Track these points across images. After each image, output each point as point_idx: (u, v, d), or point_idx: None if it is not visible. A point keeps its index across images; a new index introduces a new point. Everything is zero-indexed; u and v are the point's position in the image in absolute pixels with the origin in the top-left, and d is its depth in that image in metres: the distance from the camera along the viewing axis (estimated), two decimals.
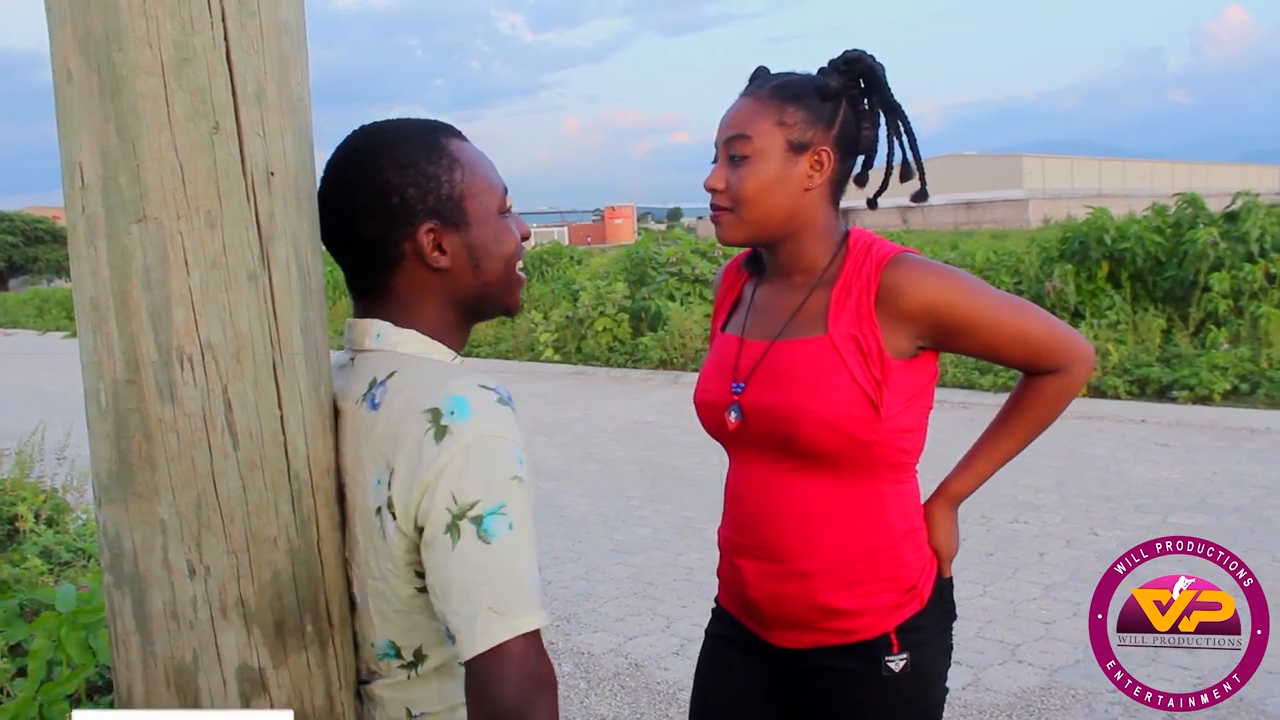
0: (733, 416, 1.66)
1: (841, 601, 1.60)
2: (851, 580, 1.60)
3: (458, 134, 1.38)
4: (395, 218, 1.30)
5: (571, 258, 18.64)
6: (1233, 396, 8.63)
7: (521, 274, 1.42)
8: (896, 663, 1.61)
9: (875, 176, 1.71)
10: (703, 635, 1.87)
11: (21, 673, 2.71)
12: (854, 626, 1.61)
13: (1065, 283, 10.62)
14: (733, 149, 1.61)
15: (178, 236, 1.14)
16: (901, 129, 1.66)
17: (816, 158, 1.60)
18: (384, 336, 1.33)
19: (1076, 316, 10.57)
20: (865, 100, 1.64)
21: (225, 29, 1.15)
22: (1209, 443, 7.33)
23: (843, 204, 1.70)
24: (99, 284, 1.16)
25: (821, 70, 1.65)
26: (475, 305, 1.38)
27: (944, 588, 1.68)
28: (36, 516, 4.74)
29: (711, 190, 1.63)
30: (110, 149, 1.13)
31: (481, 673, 1.13)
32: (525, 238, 1.42)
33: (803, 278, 1.66)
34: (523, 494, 1.19)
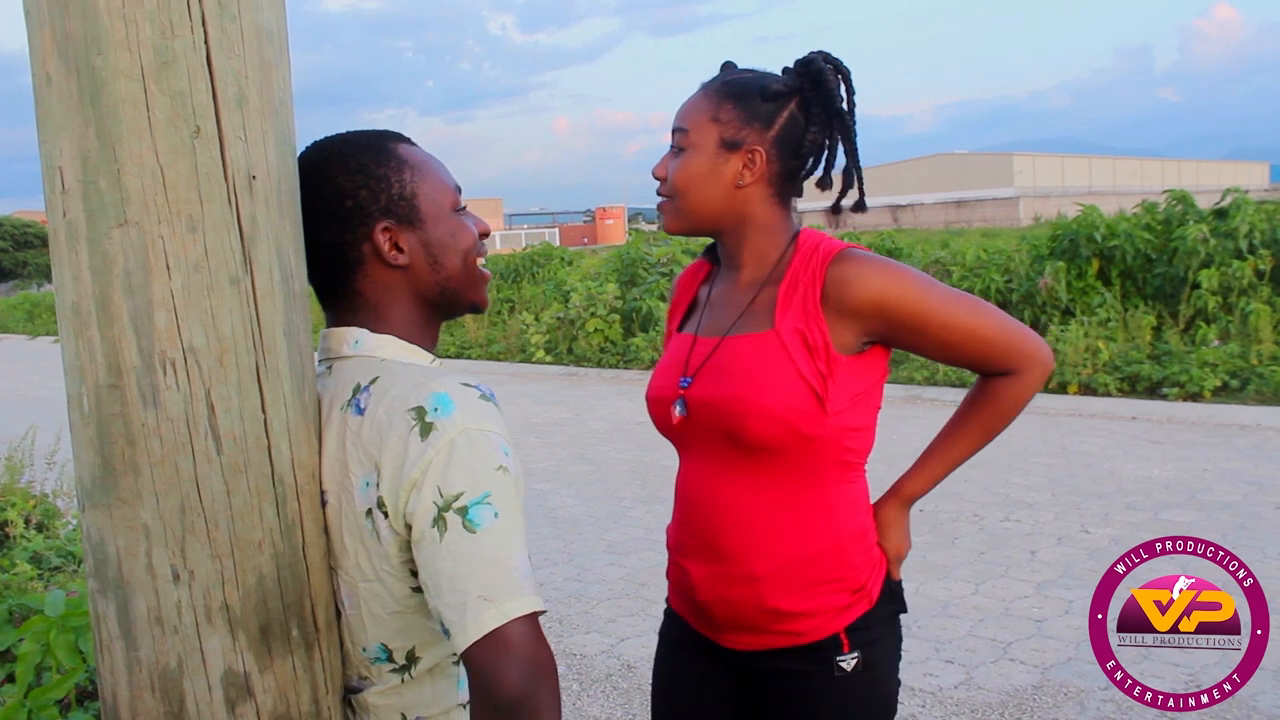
0: (677, 411, 1.67)
1: (790, 603, 1.60)
2: (800, 582, 1.59)
3: (405, 139, 1.42)
4: (351, 220, 1.34)
5: (562, 259, 18.63)
6: (1223, 393, 8.66)
7: (485, 270, 1.44)
8: (848, 662, 1.61)
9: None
10: None
11: (11, 678, 2.70)
12: (804, 628, 1.61)
13: (1056, 280, 10.65)
14: (674, 140, 1.65)
15: (159, 241, 1.14)
16: (840, 137, 1.65)
17: (749, 156, 1.61)
18: (362, 343, 1.35)
19: (1067, 314, 10.60)
20: (815, 104, 1.63)
21: (205, 33, 1.15)
22: (1199, 439, 7.35)
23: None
24: (80, 289, 1.15)
25: (785, 70, 1.66)
26: (439, 302, 1.40)
27: (893, 586, 1.68)
28: (26, 522, 4.72)
29: (655, 177, 1.68)
30: (90, 153, 1.12)
31: (479, 663, 1.11)
32: (484, 234, 1.45)
33: (751, 273, 1.67)
34: (509, 484, 1.19)
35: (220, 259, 1.17)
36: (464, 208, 1.43)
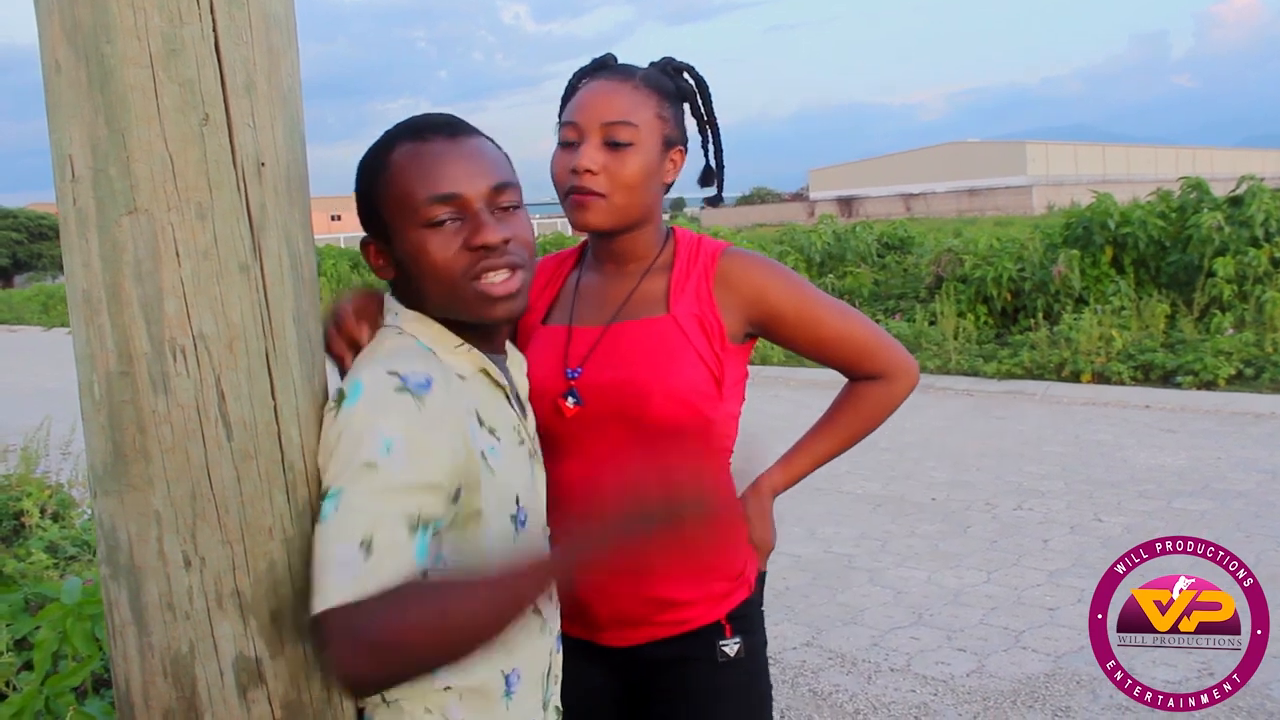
0: (569, 402, 1.61)
1: (676, 592, 1.61)
2: (686, 569, 1.59)
3: (416, 136, 1.32)
4: (364, 230, 1.40)
5: None
6: (1237, 381, 8.61)
7: (490, 285, 1.31)
8: (731, 647, 1.64)
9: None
10: None
11: (27, 666, 2.72)
12: (687, 616, 1.63)
13: (1070, 268, 10.59)
14: (614, 134, 1.59)
15: (169, 228, 1.14)
16: (714, 136, 1.76)
17: (674, 156, 1.68)
18: (400, 315, 1.38)
19: (1080, 302, 10.55)
20: (700, 107, 1.74)
21: (214, 20, 1.15)
22: (1213, 428, 7.32)
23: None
24: (90, 276, 1.16)
25: (663, 72, 1.70)
26: (443, 315, 1.35)
27: (761, 578, 1.73)
28: (42, 511, 4.75)
29: (585, 171, 1.59)
30: (100, 141, 1.13)
31: (312, 637, 1.19)
32: (483, 246, 1.29)
33: (635, 265, 1.70)
34: (371, 480, 1.17)
35: (229, 246, 1.17)
36: (444, 221, 1.29)
